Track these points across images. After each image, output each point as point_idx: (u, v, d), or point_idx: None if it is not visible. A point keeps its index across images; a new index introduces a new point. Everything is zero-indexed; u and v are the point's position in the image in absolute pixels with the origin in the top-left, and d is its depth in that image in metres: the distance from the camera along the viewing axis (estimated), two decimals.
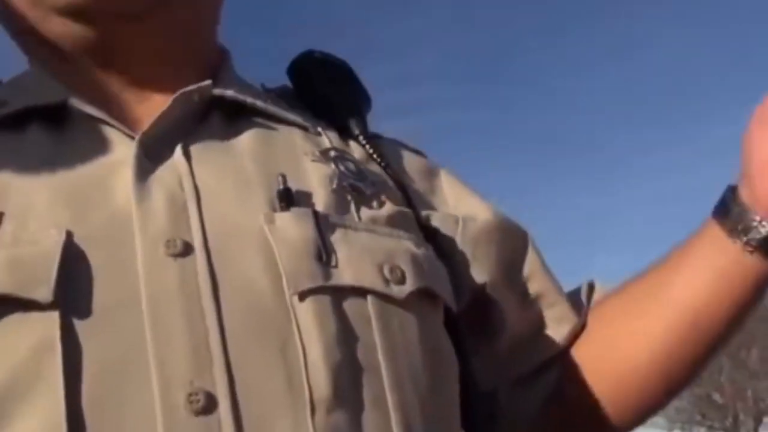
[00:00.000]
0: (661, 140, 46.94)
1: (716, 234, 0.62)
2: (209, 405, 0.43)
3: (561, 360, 0.68)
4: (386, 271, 0.51)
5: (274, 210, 0.51)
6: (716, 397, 25.02)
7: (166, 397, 0.43)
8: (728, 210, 0.62)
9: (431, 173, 0.68)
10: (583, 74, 49.53)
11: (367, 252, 0.51)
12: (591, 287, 0.72)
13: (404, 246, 0.54)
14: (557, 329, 0.68)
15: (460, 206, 0.66)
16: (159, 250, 0.47)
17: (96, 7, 0.55)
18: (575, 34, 47.78)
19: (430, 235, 0.59)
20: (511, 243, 0.67)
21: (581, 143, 49.94)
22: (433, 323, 0.54)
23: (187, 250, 0.48)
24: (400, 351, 0.50)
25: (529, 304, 0.67)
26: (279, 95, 0.66)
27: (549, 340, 0.68)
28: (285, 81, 0.70)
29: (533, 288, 0.68)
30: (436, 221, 0.62)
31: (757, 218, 0.59)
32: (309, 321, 0.47)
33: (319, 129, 0.62)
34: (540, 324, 0.68)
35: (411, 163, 0.68)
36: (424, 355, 0.51)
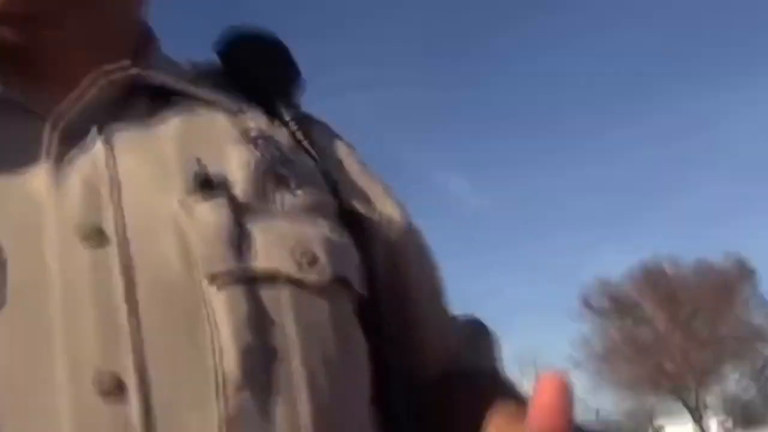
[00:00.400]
0: (612, 122, 47.83)
1: None
2: (117, 388, 0.44)
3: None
4: (300, 257, 0.51)
5: (190, 195, 0.51)
6: (666, 364, 26.03)
7: (74, 380, 0.44)
8: None
9: (357, 165, 0.67)
10: (542, 55, 50.02)
11: (282, 238, 0.52)
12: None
13: (321, 232, 0.54)
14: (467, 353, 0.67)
15: (380, 204, 0.64)
16: (72, 237, 0.47)
17: (4, 9, 0.54)
18: (538, 15, 48.18)
19: (351, 225, 0.58)
20: (419, 251, 0.67)
21: (536, 122, 50.62)
22: (344, 310, 0.54)
23: (100, 236, 0.48)
24: (311, 336, 0.50)
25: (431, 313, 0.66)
26: (206, 73, 0.64)
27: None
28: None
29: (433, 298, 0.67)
30: (358, 212, 0.61)
31: None
32: (220, 305, 0.47)
33: (245, 111, 0.60)
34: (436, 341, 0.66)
35: (339, 151, 0.66)
36: (335, 341, 0.52)
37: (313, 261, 0.51)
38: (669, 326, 26.19)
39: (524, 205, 49.28)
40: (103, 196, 0.49)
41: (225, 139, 0.56)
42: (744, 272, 26.30)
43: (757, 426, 23.11)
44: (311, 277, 0.51)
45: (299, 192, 0.55)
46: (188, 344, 0.46)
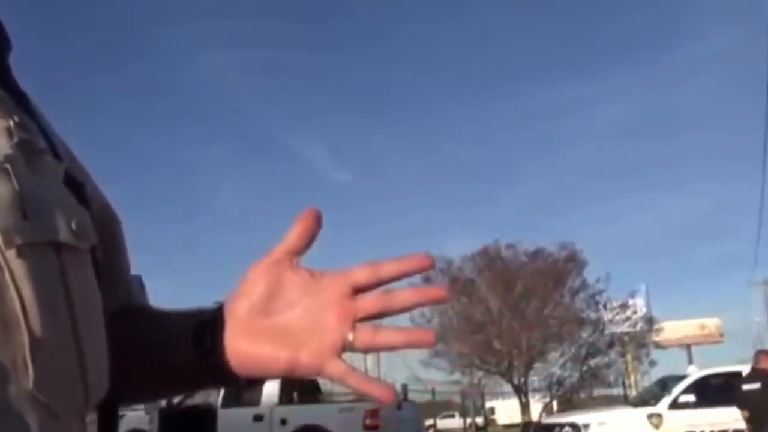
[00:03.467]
0: (470, 105, 49.22)
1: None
2: None
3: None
4: (74, 227, 0.58)
5: None
6: (495, 343, 27.14)
7: None
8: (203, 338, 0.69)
9: (68, 148, 0.73)
10: (410, 33, 50.74)
11: (59, 208, 0.58)
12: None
13: (75, 203, 0.61)
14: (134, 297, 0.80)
15: (89, 181, 0.73)
16: None
17: None
18: None
19: (79, 193, 0.64)
20: (114, 220, 0.78)
21: (400, 102, 51.32)
22: (93, 272, 0.62)
23: None
24: (89, 295, 0.59)
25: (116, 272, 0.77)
26: None
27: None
28: None
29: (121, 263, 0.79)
30: (79, 180, 0.66)
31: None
32: (22, 271, 0.52)
33: None
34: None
35: (53, 127, 0.71)
36: (98, 300, 0.61)
37: (81, 231, 0.59)
38: (501, 307, 27.30)
39: (383, 182, 50.00)
40: None
41: None
42: (573, 260, 27.74)
43: (577, 407, 24.47)
44: (81, 244, 0.59)
45: (51, 162, 0.61)
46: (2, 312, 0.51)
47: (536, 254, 27.85)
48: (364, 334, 0.63)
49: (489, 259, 27.91)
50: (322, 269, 0.66)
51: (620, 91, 50.04)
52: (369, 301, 0.64)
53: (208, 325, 0.69)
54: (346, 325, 0.64)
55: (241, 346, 0.67)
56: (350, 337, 0.63)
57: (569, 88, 47.15)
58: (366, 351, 0.64)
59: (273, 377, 0.68)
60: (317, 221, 0.67)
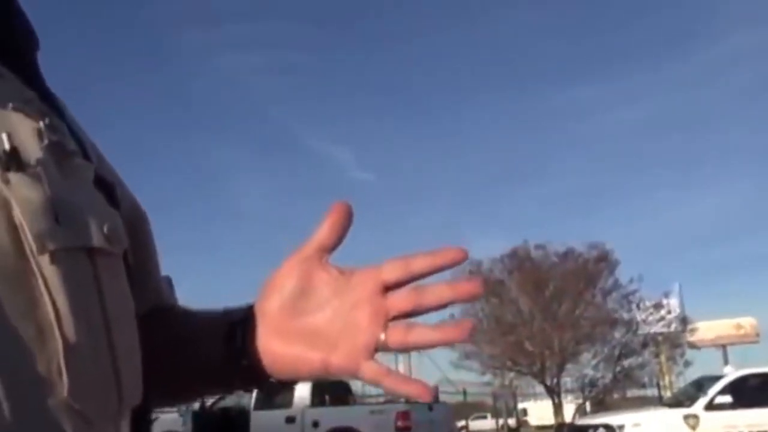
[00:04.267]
0: (489, 106, 49.00)
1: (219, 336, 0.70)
2: None
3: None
4: (106, 231, 0.57)
5: (7, 170, 0.52)
6: (527, 345, 26.98)
7: None
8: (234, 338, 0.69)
9: (97, 148, 0.73)
10: (430, 38, 50.61)
11: (92, 212, 0.57)
12: (169, 281, 0.83)
13: (106, 205, 0.61)
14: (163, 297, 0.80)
15: (117, 179, 0.74)
16: None
17: None
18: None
19: (109, 194, 0.64)
20: (143, 220, 0.79)
21: (420, 103, 51.23)
22: (125, 276, 0.61)
23: None
24: (122, 299, 0.59)
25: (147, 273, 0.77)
26: None
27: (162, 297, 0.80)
28: None
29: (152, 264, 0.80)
30: (109, 181, 0.67)
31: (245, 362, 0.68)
32: (55, 277, 0.51)
33: (10, 76, 0.60)
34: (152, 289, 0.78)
35: (82, 127, 0.71)
36: (131, 304, 0.61)
37: (113, 234, 0.58)
38: (532, 308, 27.13)
39: (406, 182, 49.96)
40: None
41: (9, 106, 0.56)
42: (605, 260, 27.48)
43: (610, 408, 24.24)
44: (113, 248, 0.58)
45: (81, 164, 0.60)
46: (30, 316, 0.50)
47: (566, 255, 27.67)
48: (396, 333, 0.61)
49: (519, 260, 27.77)
50: (352, 267, 0.64)
51: (647, 90, 49.57)
52: (401, 299, 0.62)
53: (239, 324, 0.69)
54: (378, 324, 0.62)
55: (273, 347, 0.66)
56: (382, 337, 0.61)
57: (595, 88, 46.93)
58: (400, 351, 0.63)
59: (304, 379, 0.67)
60: (347, 216, 0.65)
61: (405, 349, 0.63)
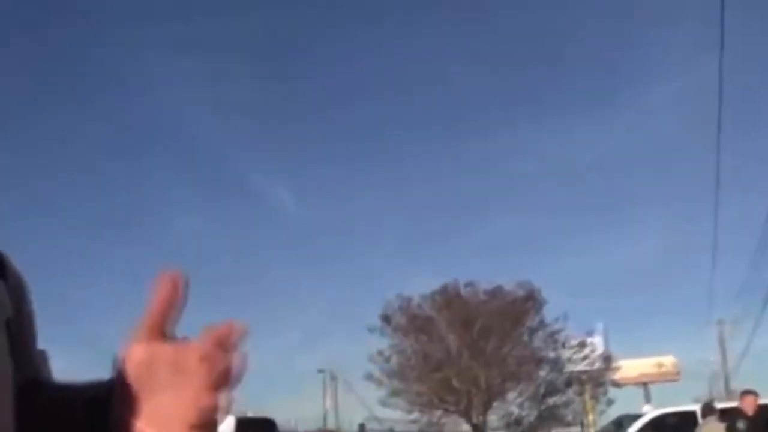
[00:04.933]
0: (430, 146, 49.79)
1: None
2: None
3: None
4: None
5: None
6: (454, 382, 27.09)
7: None
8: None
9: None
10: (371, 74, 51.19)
11: None
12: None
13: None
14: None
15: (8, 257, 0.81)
16: None
17: None
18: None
19: None
20: (26, 293, 0.83)
21: (362, 140, 51.71)
22: (6, 344, 0.69)
23: None
24: (2, 366, 0.66)
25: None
26: None
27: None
28: None
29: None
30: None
31: None
32: None
33: None
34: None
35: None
36: (8, 368, 0.68)
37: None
38: (460, 345, 27.30)
39: (344, 220, 50.01)
40: None
41: None
42: (532, 299, 27.94)
43: None
44: None
45: None
46: None
47: (495, 293, 28.00)
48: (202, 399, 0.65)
49: (448, 298, 27.96)
50: (186, 340, 0.66)
51: (576, 134, 51.04)
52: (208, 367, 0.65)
53: (101, 403, 0.70)
54: (202, 395, 0.65)
55: (123, 421, 0.68)
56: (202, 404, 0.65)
57: (528, 131, 47.95)
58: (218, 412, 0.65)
59: None
60: (176, 288, 0.65)
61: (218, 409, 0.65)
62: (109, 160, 50.29)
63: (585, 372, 29.32)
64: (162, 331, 0.66)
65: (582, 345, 29.14)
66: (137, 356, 0.66)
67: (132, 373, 0.67)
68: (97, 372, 0.74)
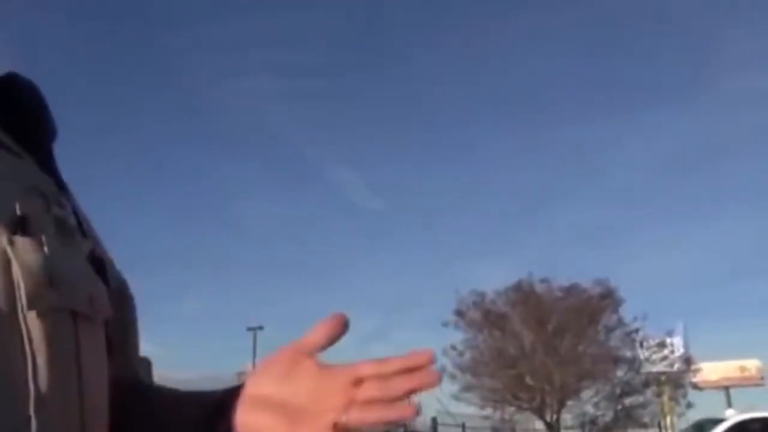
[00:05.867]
0: (507, 134, 49.18)
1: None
2: None
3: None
4: (92, 299, 0.65)
5: (14, 234, 0.60)
6: (528, 379, 26.79)
7: None
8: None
9: (94, 231, 0.81)
10: (449, 67, 50.81)
11: (81, 280, 0.65)
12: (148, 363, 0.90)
13: (96, 278, 0.69)
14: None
15: (109, 262, 0.81)
16: None
17: None
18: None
19: (100, 270, 0.72)
20: (129, 302, 0.85)
21: (438, 130, 51.51)
22: (104, 344, 0.69)
23: None
24: (98, 364, 0.66)
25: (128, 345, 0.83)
26: None
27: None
28: None
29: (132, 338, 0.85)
30: (101, 258, 0.75)
31: None
32: (38, 333, 0.58)
33: (23, 156, 0.69)
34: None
35: (84, 212, 0.78)
36: (105, 370, 0.68)
37: (97, 303, 0.66)
38: (534, 342, 26.98)
39: (417, 211, 49.99)
40: None
41: (22, 182, 0.65)
42: (609, 297, 27.38)
43: None
44: (96, 316, 0.66)
45: (79, 240, 0.69)
46: (10, 369, 0.56)
47: (570, 290, 27.55)
48: (356, 412, 0.66)
49: (522, 294, 27.66)
50: (334, 364, 0.71)
51: (659, 127, 49.61)
52: (368, 389, 0.67)
53: (221, 408, 0.72)
54: (344, 407, 0.67)
55: (247, 418, 0.70)
56: (344, 418, 0.66)
57: (608, 123, 46.88)
58: (360, 427, 0.67)
59: None
60: (342, 327, 0.71)
61: (365, 426, 0.67)
62: (187, 150, 51.58)
63: (664, 373, 28.61)
64: (316, 353, 0.70)
65: (661, 345, 28.45)
66: (285, 357, 0.71)
67: (275, 370, 0.70)
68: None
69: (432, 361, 0.68)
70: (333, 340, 0.71)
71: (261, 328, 33.28)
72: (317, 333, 0.70)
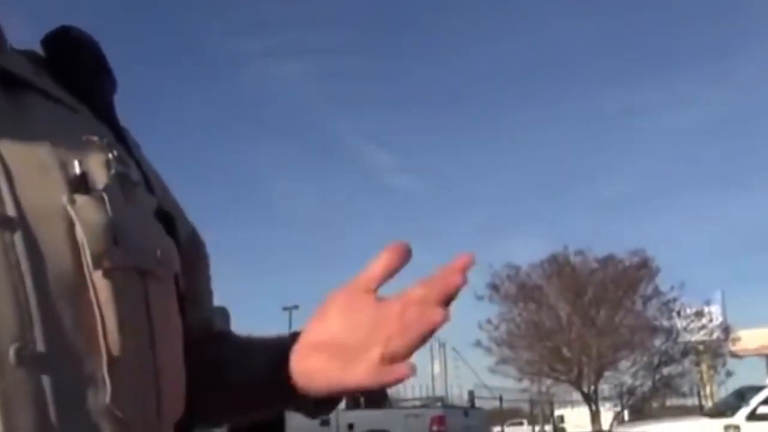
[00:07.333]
0: (539, 109, 48.62)
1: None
2: (33, 360, 0.52)
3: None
4: (159, 255, 0.63)
5: (75, 192, 0.58)
6: (565, 351, 26.72)
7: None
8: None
9: (162, 182, 0.79)
10: (479, 41, 50.36)
11: (147, 237, 0.63)
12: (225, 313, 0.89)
13: (161, 233, 0.67)
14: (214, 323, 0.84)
15: (178, 212, 0.79)
16: None
17: None
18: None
19: (168, 224, 0.70)
20: (200, 251, 0.83)
21: (465, 104, 51.06)
22: (173, 293, 0.67)
23: (7, 223, 0.54)
24: (169, 320, 0.65)
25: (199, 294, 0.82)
26: (39, 65, 0.71)
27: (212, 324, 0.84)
28: None
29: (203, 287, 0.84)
30: (169, 212, 0.73)
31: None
32: (107, 293, 0.57)
33: (79, 110, 0.68)
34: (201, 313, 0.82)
35: (150, 165, 0.77)
36: (178, 325, 0.67)
37: (165, 260, 0.64)
38: (570, 314, 26.86)
39: (448, 186, 49.84)
40: (2, 186, 0.56)
41: (83, 139, 0.64)
42: (645, 267, 27.10)
43: (649, 417, 23.89)
44: (164, 272, 0.64)
45: (142, 193, 0.67)
46: (82, 327, 0.56)
47: (606, 261, 27.31)
48: (396, 340, 0.63)
49: (558, 266, 27.50)
50: (391, 296, 0.67)
51: (694, 96, 48.74)
52: (411, 312, 0.64)
53: (283, 348, 0.72)
54: (388, 337, 0.64)
55: (305, 363, 0.70)
56: (388, 348, 0.63)
57: (643, 93, 46.33)
58: (407, 351, 0.64)
59: (336, 393, 0.70)
60: (403, 256, 0.68)
61: (406, 349, 0.64)
62: (222, 131, 51.86)
63: (702, 342, 28.30)
64: (374, 286, 0.68)
65: (699, 314, 28.09)
66: (341, 296, 0.69)
67: (331, 311, 0.69)
68: None
69: (472, 263, 0.64)
70: (393, 271, 0.68)
71: (296, 307, 33.50)
72: (376, 267, 0.68)
